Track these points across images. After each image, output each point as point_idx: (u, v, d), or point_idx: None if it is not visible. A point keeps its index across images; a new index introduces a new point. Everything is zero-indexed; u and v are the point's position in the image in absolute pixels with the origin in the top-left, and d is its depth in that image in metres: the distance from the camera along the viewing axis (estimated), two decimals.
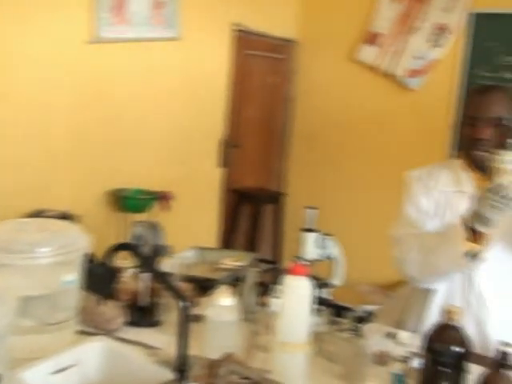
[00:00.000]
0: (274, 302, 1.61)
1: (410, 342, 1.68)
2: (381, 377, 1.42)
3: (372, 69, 4.41)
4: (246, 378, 1.17)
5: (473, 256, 1.62)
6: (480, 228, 1.57)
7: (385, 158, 4.40)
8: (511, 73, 3.91)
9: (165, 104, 3.75)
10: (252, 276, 1.77)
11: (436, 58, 4.20)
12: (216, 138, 4.21)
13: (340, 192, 4.59)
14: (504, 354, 1.22)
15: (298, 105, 4.81)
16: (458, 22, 4.10)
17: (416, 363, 1.45)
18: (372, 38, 4.38)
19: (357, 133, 4.53)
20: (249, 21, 4.18)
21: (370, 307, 1.54)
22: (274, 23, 4.47)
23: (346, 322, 1.61)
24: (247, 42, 4.31)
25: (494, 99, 1.78)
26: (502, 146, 1.72)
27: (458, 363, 1.25)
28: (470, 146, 1.81)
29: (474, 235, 1.59)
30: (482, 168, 1.82)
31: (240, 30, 4.17)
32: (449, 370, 1.21)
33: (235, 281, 1.84)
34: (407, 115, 4.34)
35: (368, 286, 1.64)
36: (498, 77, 3.92)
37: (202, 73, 3.95)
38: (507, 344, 1.23)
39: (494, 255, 1.76)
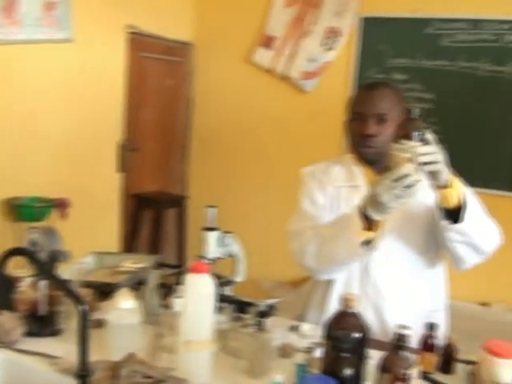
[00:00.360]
0: (177, 303, 1.61)
1: (312, 334, 1.73)
2: (285, 369, 1.44)
3: (268, 71, 4.48)
4: (149, 377, 1.15)
5: (368, 244, 1.68)
6: (375, 215, 1.62)
7: (282, 158, 4.48)
8: (401, 74, 4.09)
9: (59, 108, 3.64)
10: (154, 278, 1.75)
11: (329, 61, 4.32)
12: (114, 142, 4.14)
13: (240, 192, 4.63)
14: (400, 336, 1.28)
15: (196, 107, 4.81)
16: (348, 26, 4.24)
17: (318, 353, 1.48)
18: (267, 41, 4.46)
19: (255, 134, 4.58)
20: (143, 23, 4.14)
21: (271, 301, 1.56)
22: (169, 26, 4.45)
23: (249, 318, 1.62)
24: (142, 45, 4.26)
25: (380, 95, 1.85)
26: (390, 141, 1.79)
27: (358, 348, 1.30)
28: (358, 141, 1.88)
29: (369, 223, 1.65)
30: (370, 162, 1.90)
31: (134, 33, 4.12)
32: (349, 355, 1.25)
33: (137, 284, 1.82)
34: (303, 116, 4.44)
35: (270, 282, 1.65)
36: (388, 78, 4.09)
37: (98, 76, 3.87)
38: (403, 326, 1.29)
39: (387, 245, 1.83)
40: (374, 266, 1.86)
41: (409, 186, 1.52)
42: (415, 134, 1.49)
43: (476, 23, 3.88)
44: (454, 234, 1.70)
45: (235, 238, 1.86)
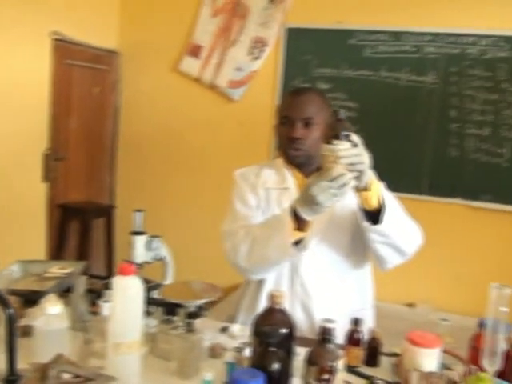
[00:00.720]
0: (105, 307, 1.60)
1: (241, 334, 1.75)
2: (215, 368, 1.46)
3: (196, 80, 4.50)
4: (77, 377, 1.15)
5: (299, 245, 1.72)
6: (308, 216, 1.66)
7: (211, 164, 4.51)
8: (325, 83, 4.20)
9: None
10: (81, 284, 1.73)
11: (255, 70, 4.39)
12: (39, 151, 4.05)
13: (169, 200, 4.63)
14: (326, 330, 1.33)
15: (123, 116, 4.77)
16: (274, 36, 4.32)
17: (248, 352, 1.51)
18: (194, 50, 4.48)
19: (183, 142, 4.59)
20: (69, 30, 4.07)
21: (200, 302, 1.57)
22: (95, 33, 4.41)
23: (178, 319, 1.63)
24: (68, 52, 4.20)
25: (306, 100, 1.92)
26: (317, 144, 1.85)
27: (285, 343, 1.33)
28: (287, 144, 1.94)
29: (300, 224, 1.69)
30: (299, 165, 1.96)
31: (60, 40, 4.06)
32: (276, 350, 1.28)
33: (65, 290, 1.80)
34: (232, 124, 4.49)
35: (201, 283, 1.67)
36: (313, 87, 4.18)
37: (22, 83, 3.77)
38: (328, 320, 1.33)
39: (314, 247, 1.89)
40: (303, 267, 1.91)
41: (343, 185, 1.57)
42: (343, 134, 1.55)
43: (397, 35, 4.04)
44: (374, 234, 1.78)
45: (163, 242, 1.87)
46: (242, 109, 4.46)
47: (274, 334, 1.30)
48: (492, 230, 3.94)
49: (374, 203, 1.71)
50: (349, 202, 1.83)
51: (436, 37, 3.96)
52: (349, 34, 4.15)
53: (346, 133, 1.56)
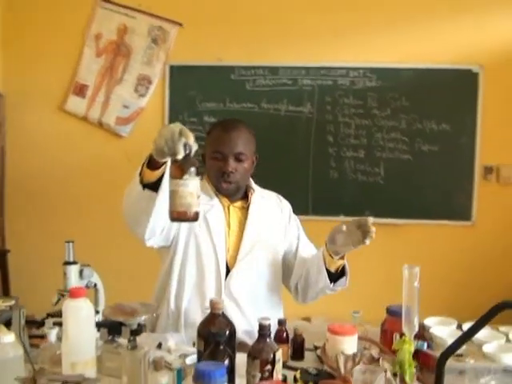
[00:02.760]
0: (53, 333, 1.69)
1: (177, 348, 1.89)
2: (159, 380, 1.59)
3: (83, 118, 4.56)
4: (66, 382, 1.24)
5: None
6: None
7: (102, 202, 4.54)
8: (211, 117, 4.42)
9: None
10: (22, 315, 1.79)
11: (142, 107, 4.53)
12: None
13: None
14: (263, 326, 1.51)
15: (9, 158, 4.71)
16: (158, 74, 4.50)
17: (189, 360, 1.67)
18: (80, 90, 4.54)
19: (74, 181, 4.60)
20: None
21: (141, 318, 1.70)
22: None
23: (121, 338, 1.74)
24: None
25: (238, 136, 2.12)
26: (246, 175, 2.08)
27: (229, 342, 1.51)
28: (218, 177, 2.13)
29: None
30: (228, 195, 2.18)
31: None
32: (225, 347, 1.45)
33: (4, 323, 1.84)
34: (121, 160, 4.57)
35: (135, 304, 1.79)
36: (200, 121, 4.40)
37: None
38: (264, 318, 1.52)
39: (243, 266, 2.10)
40: (233, 279, 2.11)
41: None
42: (191, 169, 1.61)
43: (274, 70, 4.36)
44: (329, 291, 2.08)
45: (93, 270, 1.97)
46: (130, 145, 4.57)
47: (221, 333, 1.46)
48: (374, 242, 4.31)
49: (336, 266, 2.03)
50: (279, 231, 2.11)
51: (310, 70, 4.32)
52: (230, 69, 4.41)
53: (194, 167, 1.62)
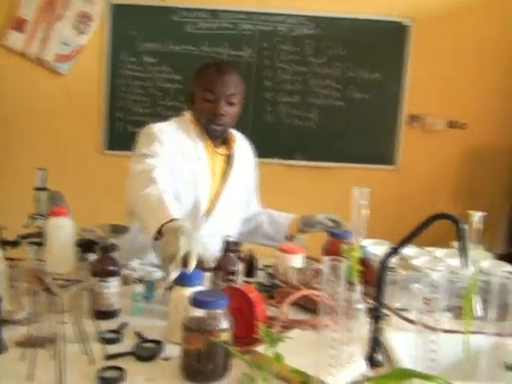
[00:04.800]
0: (30, 251, 1.82)
1: (141, 267, 2.06)
2: (134, 291, 1.77)
3: (23, 54, 4.52)
4: (68, 280, 1.39)
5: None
6: None
7: (41, 140, 4.56)
8: (151, 57, 4.49)
9: None
10: None
11: (82, 44, 4.54)
12: None
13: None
14: (228, 242, 1.71)
15: None
16: (99, 12, 4.50)
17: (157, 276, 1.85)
18: (19, 24, 4.49)
19: (11, 118, 4.59)
20: None
21: (112, 240, 1.85)
22: None
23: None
24: None
25: (231, 79, 2.15)
26: (235, 119, 2.22)
27: None
28: (209, 119, 2.16)
29: None
30: (215, 137, 2.25)
31: None
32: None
33: None
34: (60, 98, 4.59)
35: (108, 225, 1.94)
36: (140, 61, 4.47)
37: None
38: (229, 236, 1.73)
39: (222, 210, 2.29)
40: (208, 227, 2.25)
41: None
42: None
43: (215, 13, 4.46)
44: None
45: (63, 195, 2.10)
46: (69, 83, 4.58)
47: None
48: (304, 184, 4.58)
49: None
50: (251, 169, 2.40)
51: (250, 15, 4.45)
52: (172, 11, 4.47)
53: None
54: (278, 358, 0.99)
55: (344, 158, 4.65)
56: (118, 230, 1.93)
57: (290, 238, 2.31)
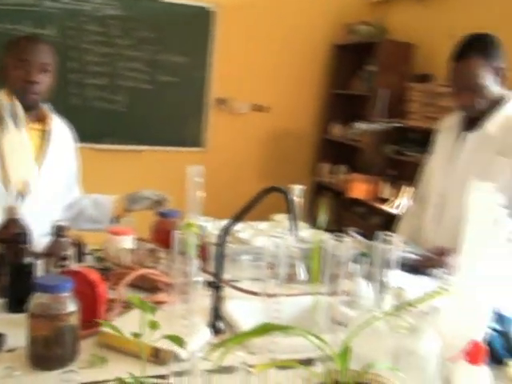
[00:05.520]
0: None
1: None
2: None
3: None
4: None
5: None
6: None
7: None
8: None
9: None
10: None
11: None
12: None
13: None
14: (59, 227, 1.67)
15: None
16: None
17: None
18: None
19: None
20: None
21: None
22: None
23: None
24: None
25: (44, 47, 2.10)
26: (48, 91, 2.14)
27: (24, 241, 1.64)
28: (23, 88, 2.07)
29: None
30: (29, 108, 2.13)
31: None
32: (25, 247, 1.59)
33: None
34: None
35: None
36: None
37: None
38: (60, 220, 1.69)
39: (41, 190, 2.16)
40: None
41: None
42: None
43: None
44: None
45: None
46: None
47: (22, 237, 1.60)
48: (115, 168, 4.53)
49: None
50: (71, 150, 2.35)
51: None
52: None
53: None
54: (154, 325, 1.02)
55: (153, 141, 4.69)
56: None
57: (116, 219, 2.30)
